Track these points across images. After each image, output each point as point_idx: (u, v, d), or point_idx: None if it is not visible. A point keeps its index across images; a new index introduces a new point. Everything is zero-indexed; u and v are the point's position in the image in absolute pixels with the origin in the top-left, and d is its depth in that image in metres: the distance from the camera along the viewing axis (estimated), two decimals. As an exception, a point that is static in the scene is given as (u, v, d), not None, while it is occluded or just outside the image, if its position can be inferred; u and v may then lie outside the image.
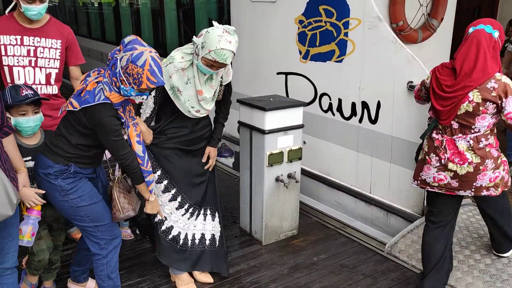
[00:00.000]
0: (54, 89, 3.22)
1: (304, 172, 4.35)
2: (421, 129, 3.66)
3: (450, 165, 2.73)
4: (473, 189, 2.76)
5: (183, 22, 6.84)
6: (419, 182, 2.93)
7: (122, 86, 2.32)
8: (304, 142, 4.42)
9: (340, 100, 4.27)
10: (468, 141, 2.70)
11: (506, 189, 2.92)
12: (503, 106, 2.61)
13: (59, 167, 2.45)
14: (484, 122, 2.67)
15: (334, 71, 4.25)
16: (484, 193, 2.78)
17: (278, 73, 4.85)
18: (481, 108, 2.61)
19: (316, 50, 4.39)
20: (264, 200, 3.65)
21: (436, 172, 2.79)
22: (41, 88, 3.14)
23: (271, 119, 3.51)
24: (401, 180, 3.92)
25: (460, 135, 2.72)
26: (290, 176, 3.70)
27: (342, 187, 4.41)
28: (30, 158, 2.64)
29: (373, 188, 4.17)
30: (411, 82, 3.66)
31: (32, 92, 2.62)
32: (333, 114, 4.36)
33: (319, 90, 4.45)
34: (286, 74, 4.77)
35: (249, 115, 3.63)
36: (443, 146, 2.76)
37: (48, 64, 3.14)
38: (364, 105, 4.06)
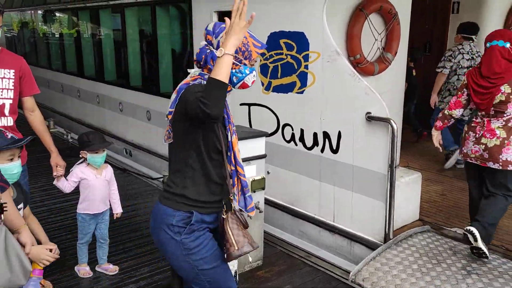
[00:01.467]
0: (9, 121, 3.11)
1: (267, 202, 4.36)
2: (381, 158, 3.78)
3: (483, 140, 3.61)
4: (500, 163, 3.53)
5: (146, 53, 6.86)
6: (463, 155, 3.82)
7: (233, 71, 2.14)
8: (268, 172, 4.46)
9: (302, 130, 4.36)
10: (501, 122, 3.57)
11: None
12: None
13: (181, 216, 2.09)
14: None
15: (296, 102, 4.36)
16: (510, 167, 3.52)
17: (241, 104, 4.91)
18: (511, 96, 3.50)
19: (278, 82, 4.49)
20: (228, 232, 3.62)
21: (473, 145, 3.70)
22: None
23: (235, 150, 3.52)
24: (363, 208, 3.99)
25: (495, 118, 3.59)
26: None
27: (306, 217, 4.45)
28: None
29: (336, 217, 4.23)
30: (369, 112, 3.80)
31: (14, 134, 2.41)
32: (296, 144, 4.43)
33: (282, 120, 4.53)
34: (249, 105, 4.84)
35: (212, 146, 3.64)
36: (482, 126, 3.63)
37: (1, 95, 3.04)
38: (326, 135, 4.15)
